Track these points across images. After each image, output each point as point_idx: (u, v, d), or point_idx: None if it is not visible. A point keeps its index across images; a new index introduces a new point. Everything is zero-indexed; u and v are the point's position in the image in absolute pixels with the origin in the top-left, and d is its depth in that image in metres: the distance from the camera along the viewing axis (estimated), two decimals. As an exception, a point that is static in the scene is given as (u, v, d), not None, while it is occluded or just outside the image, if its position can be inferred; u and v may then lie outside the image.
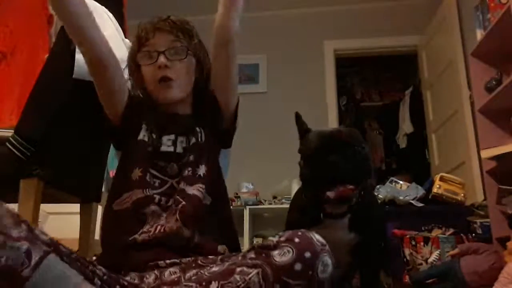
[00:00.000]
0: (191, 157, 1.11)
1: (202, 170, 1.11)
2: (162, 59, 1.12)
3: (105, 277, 0.90)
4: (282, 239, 0.82)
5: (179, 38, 1.16)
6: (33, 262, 0.73)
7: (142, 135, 1.14)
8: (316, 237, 0.82)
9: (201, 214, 1.05)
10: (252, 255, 0.83)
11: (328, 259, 0.80)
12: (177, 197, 1.06)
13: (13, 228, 0.74)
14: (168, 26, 1.16)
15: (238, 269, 0.80)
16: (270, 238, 0.84)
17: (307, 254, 0.79)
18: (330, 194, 1.12)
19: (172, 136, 1.14)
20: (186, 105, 1.21)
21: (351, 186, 1.11)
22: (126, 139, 1.16)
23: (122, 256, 1.01)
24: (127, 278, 0.96)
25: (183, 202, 1.04)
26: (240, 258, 0.85)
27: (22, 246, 0.73)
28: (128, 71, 1.23)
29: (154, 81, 1.14)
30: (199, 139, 1.15)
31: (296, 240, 0.80)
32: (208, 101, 1.20)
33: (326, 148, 1.18)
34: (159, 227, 1.02)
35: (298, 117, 1.40)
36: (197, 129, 1.16)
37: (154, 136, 1.13)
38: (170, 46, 1.15)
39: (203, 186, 1.08)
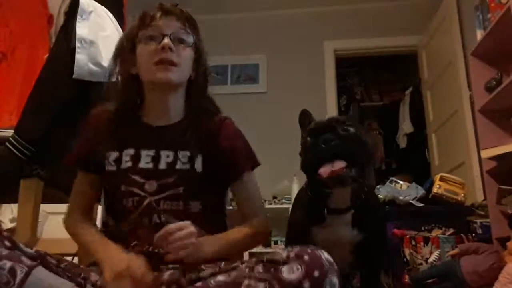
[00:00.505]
0: (181, 189, 1.06)
1: (195, 206, 1.07)
2: (167, 40, 1.07)
3: (98, 282, 0.90)
4: (291, 255, 0.81)
5: (185, 26, 1.13)
6: (18, 279, 0.72)
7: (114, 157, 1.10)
8: (325, 255, 0.81)
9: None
10: (260, 269, 0.82)
11: (335, 279, 0.80)
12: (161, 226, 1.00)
13: None
14: (178, 12, 1.13)
15: (246, 282, 0.79)
16: (279, 251, 0.83)
17: (316, 273, 0.78)
18: (323, 172, 1.08)
19: (152, 152, 1.09)
20: (177, 104, 1.15)
21: (342, 164, 1.07)
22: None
23: None
24: None
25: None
26: (247, 270, 0.84)
27: (4, 266, 0.73)
28: (117, 50, 1.18)
29: (151, 62, 1.08)
30: (194, 165, 1.09)
31: (306, 257, 0.80)
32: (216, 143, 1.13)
33: (319, 130, 1.16)
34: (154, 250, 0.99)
35: (305, 114, 1.35)
36: (193, 148, 1.10)
37: (131, 152, 1.09)
38: (176, 31, 1.11)
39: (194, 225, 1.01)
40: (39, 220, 1.35)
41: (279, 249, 0.87)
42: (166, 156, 1.09)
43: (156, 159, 1.08)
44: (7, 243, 0.79)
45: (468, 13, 2.98)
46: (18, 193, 1.26)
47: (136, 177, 1.06)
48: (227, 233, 1.08)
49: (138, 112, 1.16)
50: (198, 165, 1.09)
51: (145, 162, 1.08)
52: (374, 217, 1.31)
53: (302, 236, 1.24)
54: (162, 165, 1.08)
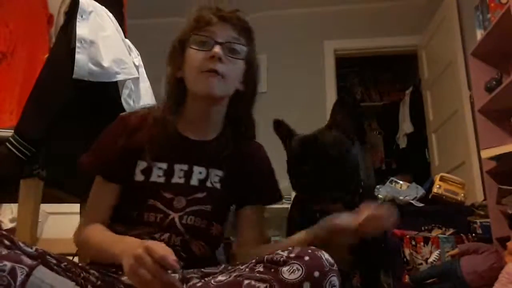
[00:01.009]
0: (208, 207, 1.04)
1: (215, 229, 1.06)
2: (218, 49, 1.00)
3: (98, 282, 0.89)
4: (292, 255, 0.80)
5: (240, 36, 1.06)
6: (19, 281, 0.71)
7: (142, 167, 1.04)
8: (325, 256, 0.81)
9: (192, 267, 0.99)
10: (261, 268, 0.81)
11: (335, 280, 0.79)
12: (179, 248, 1.00)
13: None
14: (235, 20, 1.06)
15: (246, 282, 0.78)
16: (279, 252, 0.82)
17: (316, 274, 0.78)
18: (316, 206, 1.11)
19: (185, 166, 1.05)
20: (218, 118, 1.10)
21: (332, 203, 1.09)
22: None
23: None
24: (124, 278, 0.94)
25: (183, 255, 0.99)
26: (247, 270, 0.83)
27: (4, 267, 0.71)
28: (170, 52, 1.11)
29: (198, 70, 1.02)
30: (224, 186, 1.07)
31: (306, 258, 0.79)
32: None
33: (302, 156, 1.13)
34: None
35: (278, 124, 1.31)
36: (225, 168, 1.07)
37: (164, 166, 1.04)
38: (230, 41, 1.03)
39: (206, 247, 1.04)
40: (39, 220, 1.35)
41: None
42: (198, 173, 1.06)
43: (188, 174, 1.05)
44: (6, 242, 0.78)
45: (468, 13, 2.98)
46: (18, 193, 1.26)
47: (167, 194, 1.03)
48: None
49: (175, 121, 1.09)
50: (227, 186, 1.07)
51: (177, 176, 1.04)
52: None
53: None
54: (194, 181, 1.05)
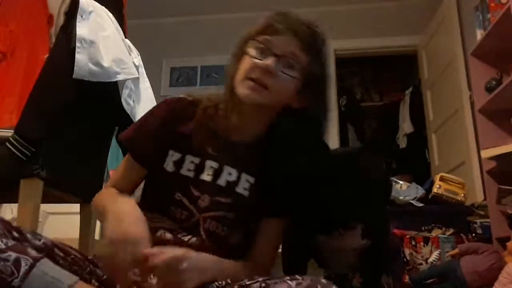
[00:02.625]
0: (232, 214, 0.98)
1: (236, 238, 1.00)
2: (270, 62, 0.95)
3: (104, 276, 0.89)
4: (301, 287, 0.76)
5: (303, 52, 0.98)
6: (22, 271, 0.72)
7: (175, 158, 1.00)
8: None
9: None
10: None
11: None
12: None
13: (0, 238, 0.74)
14: (303, 35, 0.98)
15: None
16: (286, 280, 0.77)
17: None
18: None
19: (215, 164, 1.00)
20: (257, 123, 1.03)
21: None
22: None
23: None
24: (129, 273, 0.94)
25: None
26: None
27: (9, 257, 0.72)
28: (236, 46, 1.05)
29: (245, 75, 0.97)
30: (253, 193, 1.00)
31: None
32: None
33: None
34: None
35: None
36: (258, 175, 1.00)
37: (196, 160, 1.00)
38: (288, 56, 0.97)
39: (223, 256, 0.95)
40: (39, 220, 1.35)
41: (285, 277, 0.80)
42: (228, 174, 1.00)
43: (217, 173, 1.00)
44: (15, 233, 0.79)
45: (468, 13, 2.98)
46: (18, 193, 1.26)
47: (195, 191, 0.98)
48: (233, 264, 0.96)
49: (216, 116, 1.05)
50: (257, 194, 1.01)
51: (206, 174, 1.00)
52: (384, 226, 1.31)
53: (304, 244, 1.23)
54: (222, 182, 1.00)
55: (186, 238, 0.96)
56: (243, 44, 1.02)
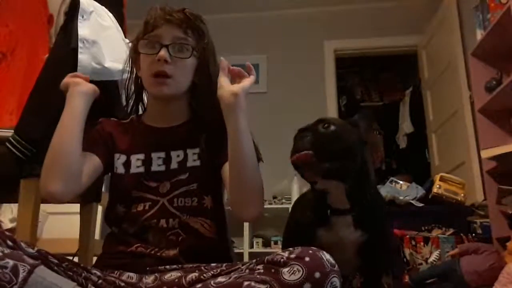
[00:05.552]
0: (194, 185, 1.07)
1: (208, 202, 1.07)
2: (163, 52, 1.06)
3: (99, 281, 0.90)
4: (292, 256, 0.80)
5: (187, 35, 1.10)
6: (20, 278, 0.73)
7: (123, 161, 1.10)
8: (326, 257, 0.80)
9: (202, 250, 1.03)
10: (261, 269, 0.81)
11: (337, 281, 0.79)
12: (179, 230, 1.03)
13: None
14: (179, 20, 1.10)
15: (246, 283, 0.78)
16: (280, 252, 0.82)
17: (317, 275, 0.77)
18: (291, 157, 1.17)
19: (162, 154, 1.10)
20: (180, 109, 1.15)
21: (308, 152, 1.14)
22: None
23: (120, 260, 1.01)
24: (124, 277, 0.95)
25: (184, 236, 1.03)
26: (247, 271, 0.83)
27: (7, 264, 0.73)
28: (129, 56, 1.19)
29: (149, 74, 1.08)
30: (204, 161, 1.09)
31: (307, 259, 0.79)
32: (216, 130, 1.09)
33: (303, 129, 1.22)
34: (156, 250, 1.00)
35: None
36: (200, 142, 1.09)
37: (143, 156, 1.09)
38: (175, 41, 1.08)
39: (208, 222, 1.06)
40: (39, 220, 1.35)
41: (279, 250, 0.85)
42: (176, 156, 1.09)
43: (167, 160, 1.09)
44: (9, 242, 0.79)
45: (468, 13, 2.98)
46: (18, 193, 1.26)
47: (150, 183, 1.06)
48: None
49: (141, 116, 1.19)
50: (207, 160, 1.09)
51: (157, 165, 1.09)
52: (377, 217, 1.31)
53: (305, 238, 1.24)
54: (174, 165, 1.08)
55: (162, 222, 1.03)
56: (135, 48, 1.14)
